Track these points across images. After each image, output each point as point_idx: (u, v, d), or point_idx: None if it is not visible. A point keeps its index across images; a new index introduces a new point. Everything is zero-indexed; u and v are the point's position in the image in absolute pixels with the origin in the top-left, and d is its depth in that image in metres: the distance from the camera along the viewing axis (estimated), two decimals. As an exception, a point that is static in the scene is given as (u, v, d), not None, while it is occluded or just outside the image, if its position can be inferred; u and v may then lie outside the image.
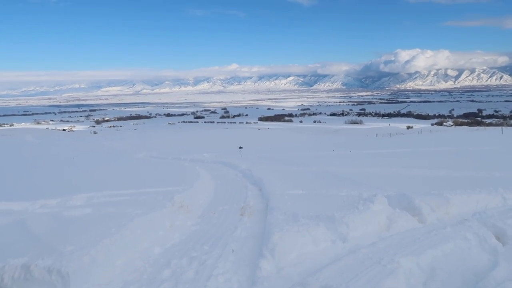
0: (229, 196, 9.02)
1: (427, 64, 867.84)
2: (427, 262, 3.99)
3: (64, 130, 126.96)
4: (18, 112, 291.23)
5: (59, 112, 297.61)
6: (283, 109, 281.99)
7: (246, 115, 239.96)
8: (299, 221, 5.12)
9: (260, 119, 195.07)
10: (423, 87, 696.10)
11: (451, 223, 5.24)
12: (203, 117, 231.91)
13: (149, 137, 77.12)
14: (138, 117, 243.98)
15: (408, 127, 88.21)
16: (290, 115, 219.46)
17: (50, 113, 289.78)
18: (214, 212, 7.25)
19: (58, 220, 5.80)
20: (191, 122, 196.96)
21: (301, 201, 6.77)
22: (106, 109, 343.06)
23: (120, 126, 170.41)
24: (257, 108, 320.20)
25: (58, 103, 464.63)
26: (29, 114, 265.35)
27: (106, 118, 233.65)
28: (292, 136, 75.80)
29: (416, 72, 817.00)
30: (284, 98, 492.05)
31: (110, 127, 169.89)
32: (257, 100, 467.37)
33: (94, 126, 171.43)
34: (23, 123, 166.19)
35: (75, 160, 20.95)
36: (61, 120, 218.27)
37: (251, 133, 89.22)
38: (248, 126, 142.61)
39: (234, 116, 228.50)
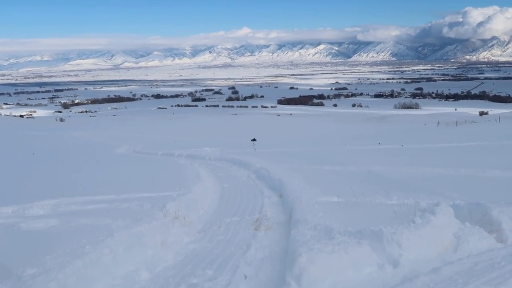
0: (240, 204, 9.04)
1: (508, 27, 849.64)
2: (510, 295, 3.90)
3: (21, 116, 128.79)
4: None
5: (15, 93, 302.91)
6: (311, 89, 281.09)
7: (262, 96, 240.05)
8: (334, 238, 5.09)
9: (280, 102, 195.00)
10: (502, 59, 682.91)
11: (542, 243, 5.12)
12: (204, 100, 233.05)
13: (133, 126, 77.91)
14: (119, 99, 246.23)
15: (482, 113, 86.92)
16: (321, 96, 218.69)
17: (3, 94, 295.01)
18: (220, 226, 7.27)
19: (14, 234, 5.89)
20: (188, 106, 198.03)
21: (337, 211, 6.72)
22: (77, 89, 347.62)
23: (95, 112, 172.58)
24: (276, 87, 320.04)
25: (13, 81, 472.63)
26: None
27: (77, 101, 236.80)
28: (323, 124, 75.54)
29: (493, 38, 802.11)
30: (312, 74, 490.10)
31: (82, 112, 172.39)
32: (276, 76, 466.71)
33: (60, 111, 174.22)
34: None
35: (35, 156, 21.29)
36: (18, 103, 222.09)
37: (268, 120, 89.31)
38: (264, 112, 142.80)
39: (245, 98, 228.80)
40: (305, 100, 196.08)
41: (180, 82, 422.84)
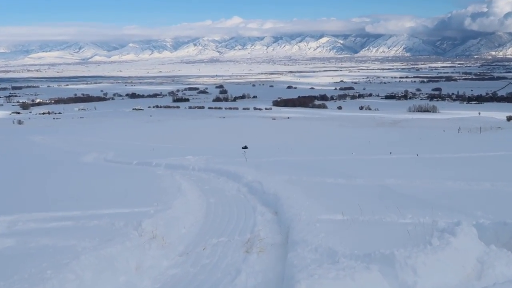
0: (228, 222, 9.01)
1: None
2: (542, 330, 3.91)
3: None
4: None
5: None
6: (312, 88, 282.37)
7: (254, 97, 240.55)
8: (338, 263, 5.08)
9: (276, 103, 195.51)
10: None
11: None
12: (187, 100, 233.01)
13: (103, 130, 77.59)
14: (87, 98, 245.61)
15: (510, 118, 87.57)
16: (323, 97, 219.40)
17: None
18: (204, 247, 7.25)
19: (-37, 256, 5.82)
20: (169, 107, 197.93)
21: (341, 231, 6.72)
22: (38, 86, 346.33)
23: (59, 113, 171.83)
24: (272, 86, 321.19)
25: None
26: None
27: (38, 100, 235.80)
28: (326, 130, 75.68)
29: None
30: (314, 71, 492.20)
31: (44, 113, 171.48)
32: (272, 73, 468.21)
33: (19, 113, 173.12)
34: None
35: (-11, 164, 21.13)
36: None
37: (262, 125, 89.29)
38: (257, 115, 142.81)
39: (235, 99, 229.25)
40: (305, 101, 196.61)
41: (160, 79, 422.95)
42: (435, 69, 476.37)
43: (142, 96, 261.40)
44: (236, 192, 12.39)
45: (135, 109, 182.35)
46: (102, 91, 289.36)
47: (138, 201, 9.55)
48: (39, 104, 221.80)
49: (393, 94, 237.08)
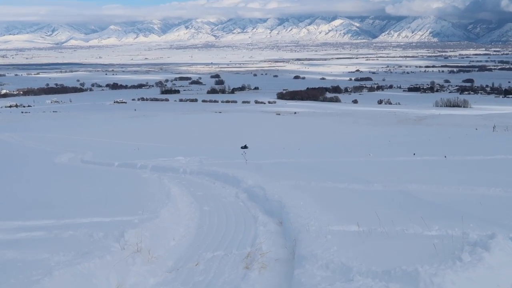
0: (225, 234, 9.01)
1: None
2: None
3: None
4: None
5: None
6: (323, 78, 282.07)
7: (256, 88, 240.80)
8: (353, 281, 5.08)
9: (281, 96, 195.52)
10: None
11: None
12: (178, 92, 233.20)
13: (80, 127, 77.63)
14: (61, 89, 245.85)
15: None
16: (336, 89, 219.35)
17: None
18: (197, 263, 7.24)
19: None
20: (156, 100, 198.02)
21: (357, 245, 6.72)
22: (4, 75, 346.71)
23: (29, 106, 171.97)
24: (276, 76, 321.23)
25: None
26: None
27: (4, 91, 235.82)
28: (339, 127, 75.65)
29: None
30: (325, 59, 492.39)
31: (11, 106, 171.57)
32: (276, 61, 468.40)
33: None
34: None
35: None
36: None
37: (265, 121, 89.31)
38: (259, 109, 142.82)
39: (233, 91, 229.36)
40: (315, 94, 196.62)
41: (146, 67, 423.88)
42: (467, 57, 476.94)
43: (125, 87, 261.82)
44: (234, 198, 12.40)
45: (117, 102, 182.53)
46: (78, 80, 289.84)
47: (120, 208, 9.55)
48: (5, 95, 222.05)
49: (418, 86, 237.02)
